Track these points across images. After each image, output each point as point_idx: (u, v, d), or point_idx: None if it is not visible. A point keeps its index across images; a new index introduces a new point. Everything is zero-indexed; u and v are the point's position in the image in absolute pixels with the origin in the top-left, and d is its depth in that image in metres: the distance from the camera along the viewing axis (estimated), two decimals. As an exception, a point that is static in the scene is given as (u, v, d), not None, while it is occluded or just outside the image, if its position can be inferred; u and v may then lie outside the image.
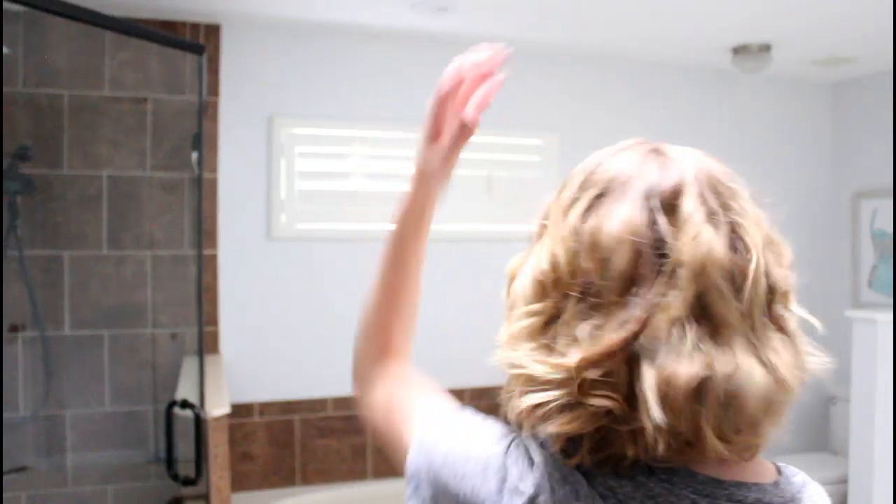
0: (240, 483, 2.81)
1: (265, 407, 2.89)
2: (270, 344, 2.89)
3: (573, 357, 0.55)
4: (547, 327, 0.59)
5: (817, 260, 3.53)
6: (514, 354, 0.59)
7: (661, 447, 0.54)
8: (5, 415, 2.36)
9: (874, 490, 2.69)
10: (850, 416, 2.86)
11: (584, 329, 0.56)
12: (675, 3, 2.54)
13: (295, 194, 2.91)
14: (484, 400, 3.21)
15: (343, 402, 2.98)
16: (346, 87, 2.95)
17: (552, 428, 0.56)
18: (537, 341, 0.59)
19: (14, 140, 2.39)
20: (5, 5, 1.99)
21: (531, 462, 0.60)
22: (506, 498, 0.58)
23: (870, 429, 2.72)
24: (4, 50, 2.33)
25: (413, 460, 0.66)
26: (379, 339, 0.85)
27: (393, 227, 0.89)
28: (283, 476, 2.92)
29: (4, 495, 2.30)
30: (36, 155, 2.45)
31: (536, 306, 0.60)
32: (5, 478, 2.33)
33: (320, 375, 2.94)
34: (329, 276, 2.96)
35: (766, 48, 2.98)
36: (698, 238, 0.55)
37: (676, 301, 0.54)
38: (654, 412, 0.53)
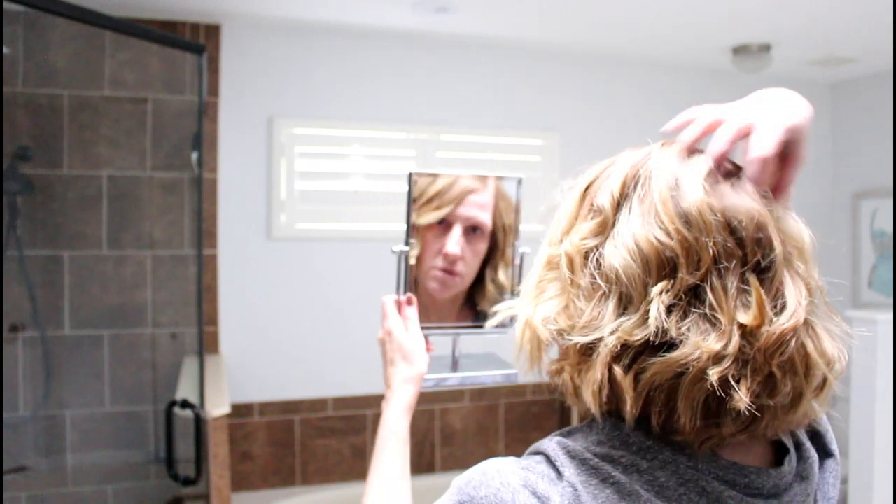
0: (240, 483, 2.81)
1: (265, 407, 2.89)
2: (270, 344, 2.89)
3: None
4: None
5: (817, 260, 3.53)
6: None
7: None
8: (5, 415, 2.36)
9: (874, 490, 2.69)
10: (850, 416, 2.86)
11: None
12: (675, 3, 2.54)
13: (295, 194, 2.91)
14: (483, 400, 3.21)
15: (343, 402, 2.98)
16: (346, 87, 2.95)
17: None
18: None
19: (14, 140, 2.39)
20: (5, 5, 1.99)
21: (559, 475, 0.61)
22: None
23: (870, 429, 2.72)
24: (4, 50, 2.33)
25: None
26: None
27: (382, 466, 0.90)
28: (283, 476, 2.92)
29: (4, 495, 2.30)
30: (36, 155, 2.45)
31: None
32: (5, 478, 2.33)
33: (320, 375, 2.94)
34: (329, 276, 2.96)
35: (766, 48, 2.98)
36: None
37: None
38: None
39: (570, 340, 0.61)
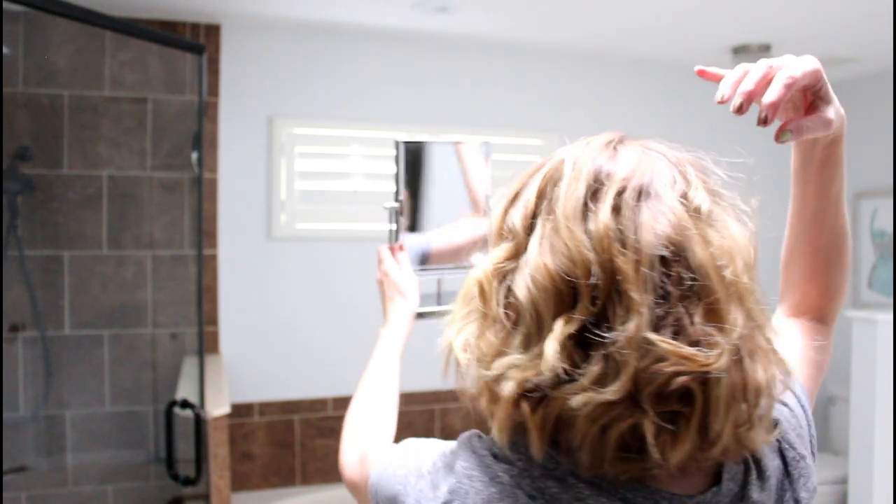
0: (240, 483, 2.81)
1: (265, 407, 2.89)
2: (270, 344, 2.89)
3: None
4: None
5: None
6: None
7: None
8: (5, 415, 2.36)
9: (874, 490, 2.69)
10: (850, 416, 2.86)
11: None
12: (675, 3, 2.54)
13: (295, 194, 2.91)
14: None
15: (343, 402, 2.97)
16: (346, 87, 2.95)
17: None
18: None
19: (14, 140, 2.39)
20: (5, 5, 1.99)
21: (449, 469, 0.63)
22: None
23: (870, 429, 2.72)
24: (4, 50, 2.33)
25: (371, 482, 0.73)
26: (361, 432, 0.96)
27: (376, 365, 1.04)
28: (283, 476, 2.92)
29: (4, 495, 2.29)
30: (36, 155, 2.45)
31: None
32: (5, 478, 2.33)
33: (320, 375, 2.94)
34: (329, 276, 2.96)
35: (766, 48, 2.98)
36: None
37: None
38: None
39: (483, 375, 0.59)
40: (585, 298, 0.54)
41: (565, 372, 0.54)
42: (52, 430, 2.51)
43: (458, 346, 0.62)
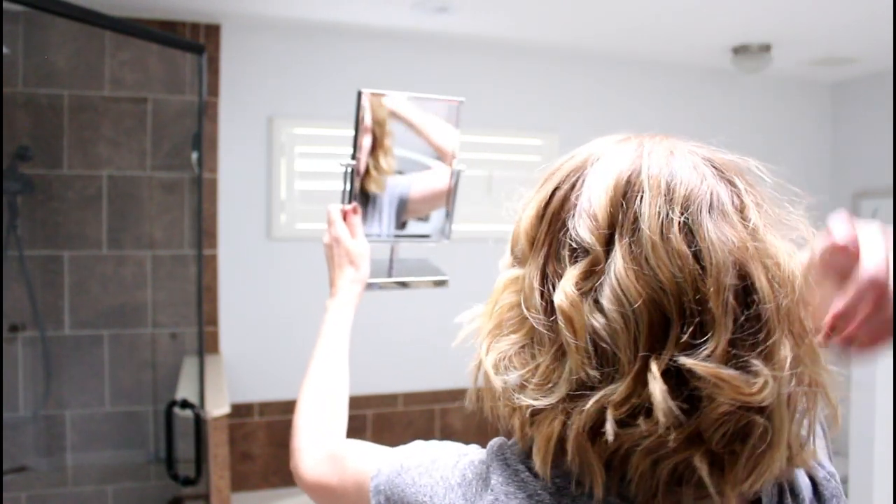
0: (240, 483, 2.81)
1: (265, 407, 2.89)
2: (270, 344, 2.89)
3: None
4: None
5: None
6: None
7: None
8: (5, 415, 2.36)
9: (874, 490, 2.69)
10: (850, 416, 2.86)
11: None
12: (675, 3, 2.53)
13: (295, 194, 2.91)
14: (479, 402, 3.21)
15: (343, 402, 2.98)
16: (346, 87, 2.93)
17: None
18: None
19: (14, 140, 2.38)
20: (5, 5, 1.99)
21: (485, 483, 0.60)
22: None
23: (870, 429, 2.72)
24: (4, 50, 2.33)
25: (377, 486, 0.67)
26: (321, 427, 0.92)
27: (325, 347, 1.00)
28: (283, 476, 2.92)
29: (4, 495, 2.30)
30: (36, 155, 2.45)
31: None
32: (5, 478, 2.33)
33: (320, 375, 2.94)
34: (329, 276, 2.96)
35: (766, 48, 2.98)
36: None
37: None
38: None
39: (524, 402, 0.54)
40: (676, 328, 0.51)
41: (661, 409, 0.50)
42: (52, 430, 2.51)
43: (491, 365, 0.57)
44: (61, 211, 2.51)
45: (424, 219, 1.22)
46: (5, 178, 2.33)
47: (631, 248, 0.53)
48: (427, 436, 3.11)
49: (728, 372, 0.50)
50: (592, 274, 0.54)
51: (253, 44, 2.82)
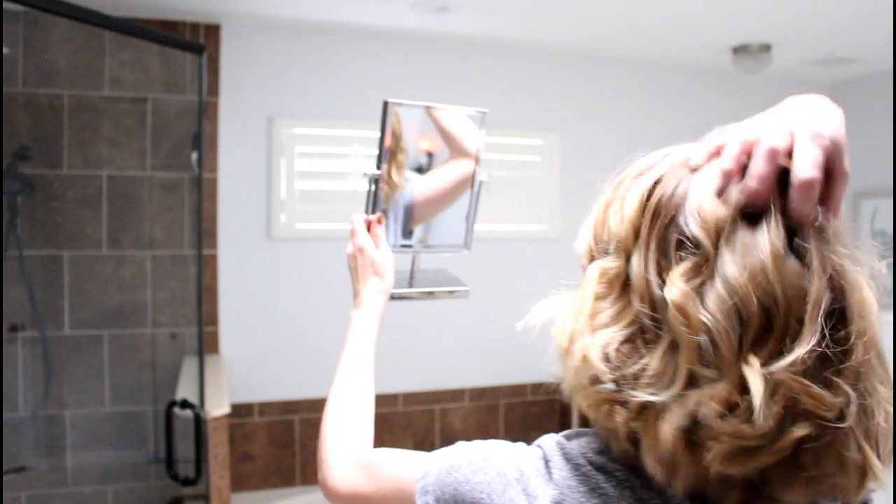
0: (240, 483, 2.81)
1: (265, 407, 2.89)
2: (270, 344, 2.89)
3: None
4: None
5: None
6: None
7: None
8: (5, 415, 2.36)
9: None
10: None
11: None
12: (676, 3, 2.53)
13: (295, 194, 2.91)
14: (483, 400, 3.21)
15: (343, 402, 2.98)
16: (346, 87, 2.95)
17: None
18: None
19: (14, 140, 2.38)
20: (5, 5, 1.99)
21: (547, 477, 0.60)
22: None
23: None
24: (4, 50, 2.33)
25: (424, 487, 0.66)
26: (349, 438, 0.89)
27: (351, 358, 1.01)
28: (283, 476, 2.92)
29: (4, 495, 2.29)
30: (36, 155, 2.45)
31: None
32: (5, 478, 2.33)
33: (320, 375, 2.92)
34: (329, 276, 2.95)
35: (766, 48, 2.98)
36: None
37: None
38: None
39: (639, 396, 0.54)
40: (779, 329, 0.52)
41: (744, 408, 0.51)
42: (51, 430, 2.51)
43: (597, 355, 0.56)
44: (61, 211, 2.51)
45: (444, 228, 1.22)
46: (5, 178, 2.33)
47: (739, 245, 0.53)
48: (427, 436, 3.11)
49: (815, 389, 0.51)
50: (700, 272, 0.54)
51: (253, 44, 2.82)
